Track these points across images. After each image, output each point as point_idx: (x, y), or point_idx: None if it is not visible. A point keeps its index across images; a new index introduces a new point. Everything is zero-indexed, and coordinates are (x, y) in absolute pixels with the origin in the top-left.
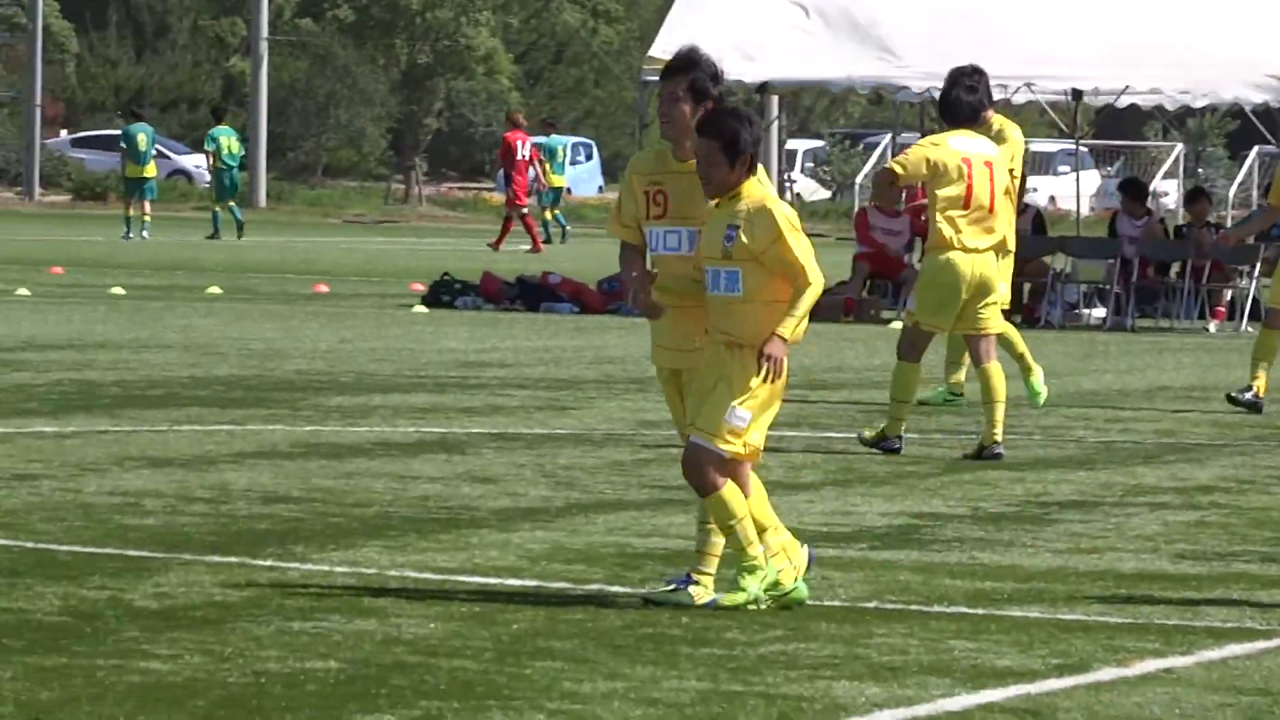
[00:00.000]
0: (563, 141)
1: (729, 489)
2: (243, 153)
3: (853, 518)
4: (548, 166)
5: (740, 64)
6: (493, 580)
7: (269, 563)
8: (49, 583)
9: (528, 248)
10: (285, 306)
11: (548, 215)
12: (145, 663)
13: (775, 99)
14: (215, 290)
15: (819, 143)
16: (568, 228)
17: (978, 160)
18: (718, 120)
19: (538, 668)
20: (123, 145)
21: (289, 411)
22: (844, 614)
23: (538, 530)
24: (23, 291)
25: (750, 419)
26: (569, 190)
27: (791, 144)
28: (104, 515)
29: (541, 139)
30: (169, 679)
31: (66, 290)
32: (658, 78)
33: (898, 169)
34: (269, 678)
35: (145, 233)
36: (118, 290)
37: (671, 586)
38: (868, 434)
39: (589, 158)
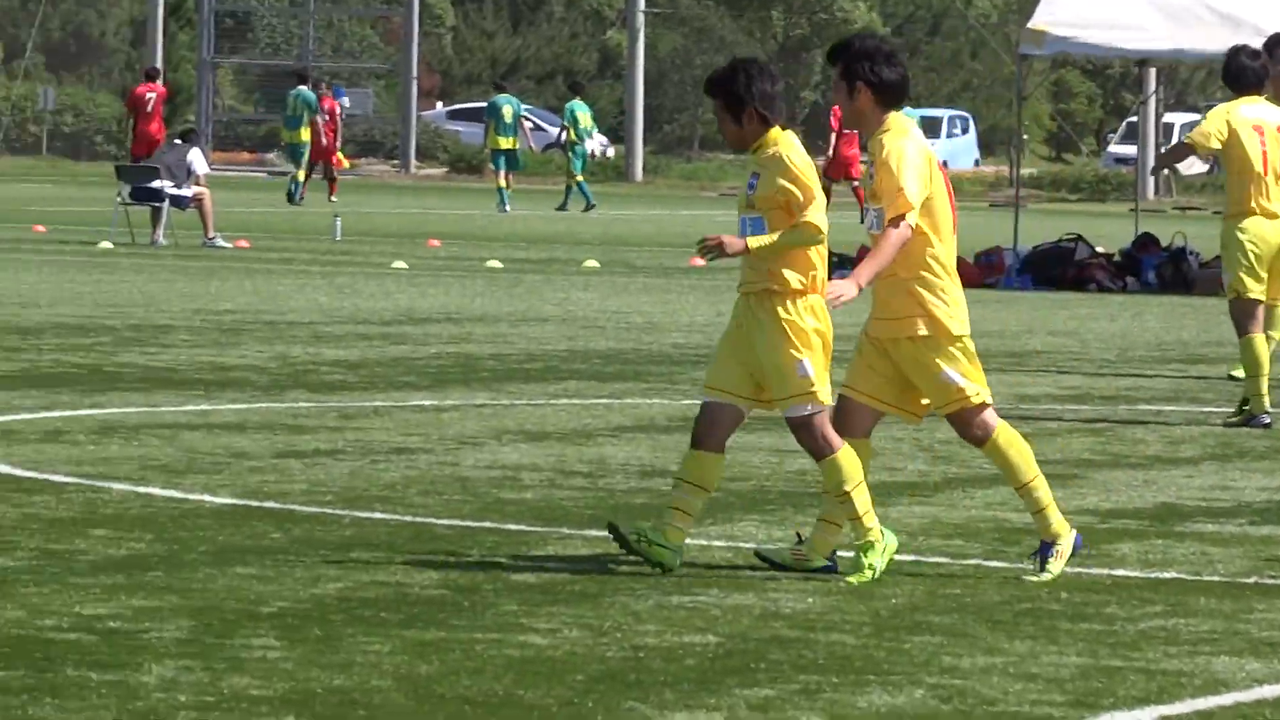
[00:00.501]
0: (510, 101)
1: (844, 453)
2: (594, 127)
3: (1231, 492)
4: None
5: (1117, 36)
6: None
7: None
8: (427, 556)
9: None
10: (662, 280)
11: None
12: (524, 636)
13: (1153, 72)
14: (592, 264)
15: (1196, 116)
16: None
17: (1270, 127)
18: (718, 78)
19: (916, 642)
20: (488, 117)
21: (666, 385)
22: (1223, 589)
23: (915, 505)
24: (399, 264)
25: (811, 366)
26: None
27: (1169, 117)
28: (482, 489)
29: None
30: (547, 653)
31: (443, 263)
32: (1035, 50)
33: (1192, 141)
34: (647, 652)
35: (506, 205)
36: (494, 264)
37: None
38: (1233, 419)
39: (965, 130)
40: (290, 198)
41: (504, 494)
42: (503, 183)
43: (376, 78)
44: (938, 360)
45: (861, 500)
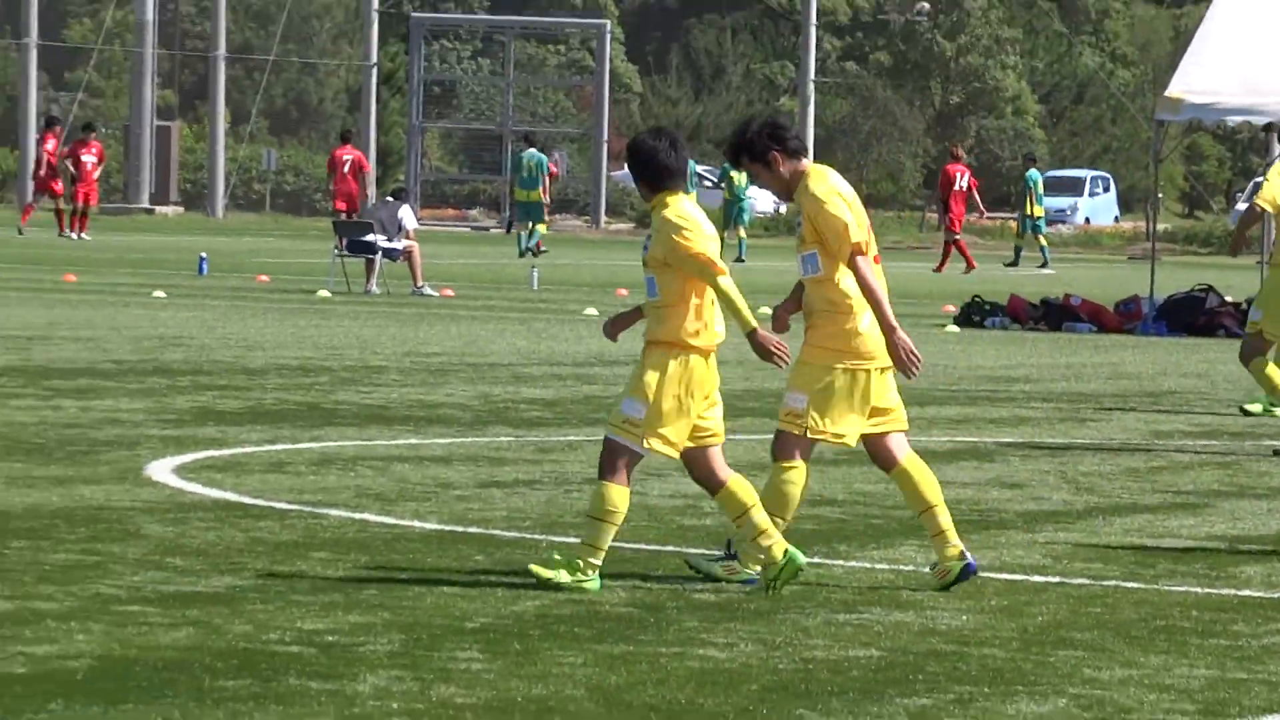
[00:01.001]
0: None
1: (618, 490)
2: (749, 185)
3: None
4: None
5: (1247, 103)
6: (1019, 576)
7: (816, 560)
8: (616, 578)
9: (963, 268)
10: None
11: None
12: (703, 650)
13: (1276, 135)
14: (766, 310)
15: None
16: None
17: None
18: (628, 154)
19: (1060, 656)
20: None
21: None
22: None
23: (1059, 531)
24: (591, 311)
25: (641, 412)
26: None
27: None
28: (667, 517)
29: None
30: (725, 665)
31: (615, 310)
32: (1171, 117)
33: (1261, 204)
34: (816, 664)
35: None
36: None
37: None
38: None
39: (1106, 190)
40: (532, 251)
41: (685, 520)
42: None
43: (570, 141)
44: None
45: (604, 535)
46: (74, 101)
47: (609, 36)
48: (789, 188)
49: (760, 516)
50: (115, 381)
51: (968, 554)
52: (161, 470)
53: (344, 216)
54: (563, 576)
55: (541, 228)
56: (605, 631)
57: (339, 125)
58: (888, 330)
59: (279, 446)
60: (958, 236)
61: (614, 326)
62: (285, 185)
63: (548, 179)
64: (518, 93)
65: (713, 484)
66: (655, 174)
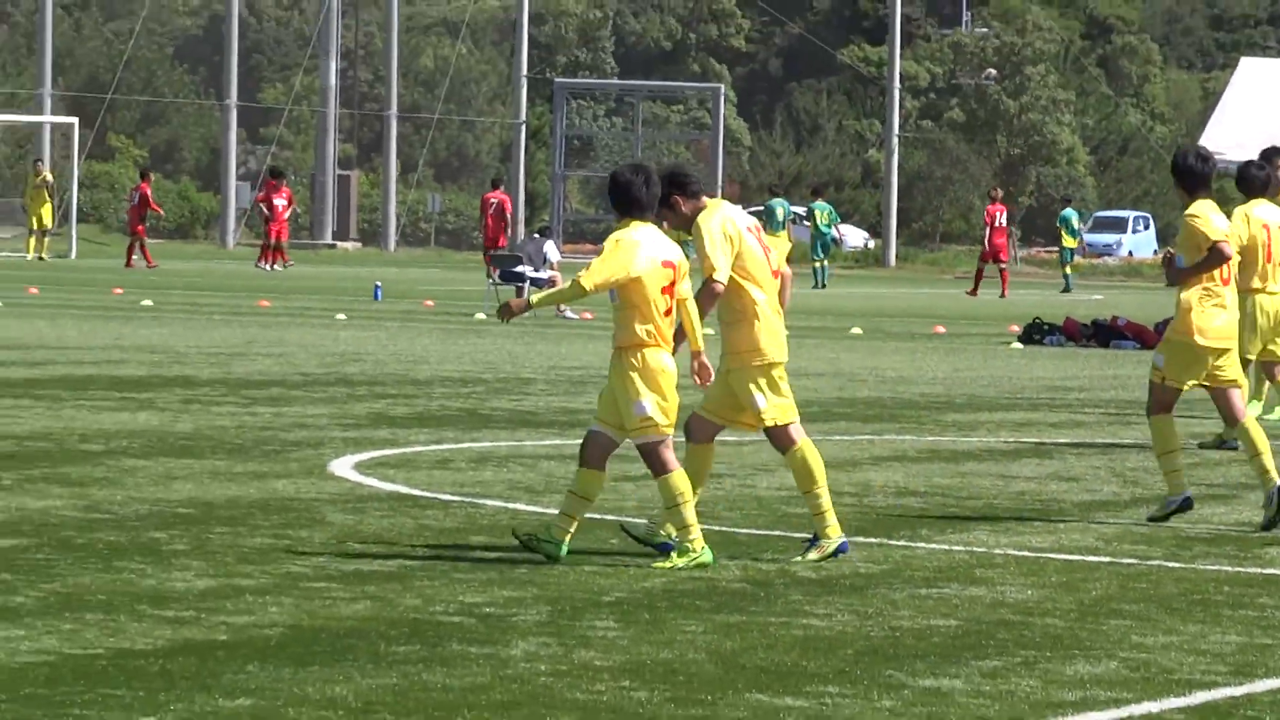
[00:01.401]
0: (781, 203)
1: (678, 475)
2: (836, 219)
3: None
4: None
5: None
6: (1075, 557)
7: (901, 543)
8: (731, 557)
9: (997, 292)
10: (911, 344)
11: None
12: (806, 620)
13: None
14: (857, 331)
15: None
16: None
17: (1274, 225)
18: (609, 183)
19: (1111, 625)
20: (764, 216)
21: (915, 425)
22: None
23: (1110, 518)
24: (708, 331)
25: (648, 407)
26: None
27: None
28: (774, 505)
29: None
30: (824, 632)
31: None
32: None
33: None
34: (902, 632)
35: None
36: None
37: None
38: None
39: (1146, 227)
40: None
41: (790, 509)
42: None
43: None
44: (748, 384)
45: (688, 513)
46: (268, 154)
47: (722, 98)
48: (689, 223)
49: (689, 512)
50: (303, 391)
51: (843, 535)
52: (343, 467)
53: (496, 250)
54: (678, 560)
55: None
56: (722, 604)
57: (492, 173)
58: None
59: (443, 446)
60: (1003, 266)
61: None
62: (447, 224)
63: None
64: (645, 145)
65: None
66: (626, 203)
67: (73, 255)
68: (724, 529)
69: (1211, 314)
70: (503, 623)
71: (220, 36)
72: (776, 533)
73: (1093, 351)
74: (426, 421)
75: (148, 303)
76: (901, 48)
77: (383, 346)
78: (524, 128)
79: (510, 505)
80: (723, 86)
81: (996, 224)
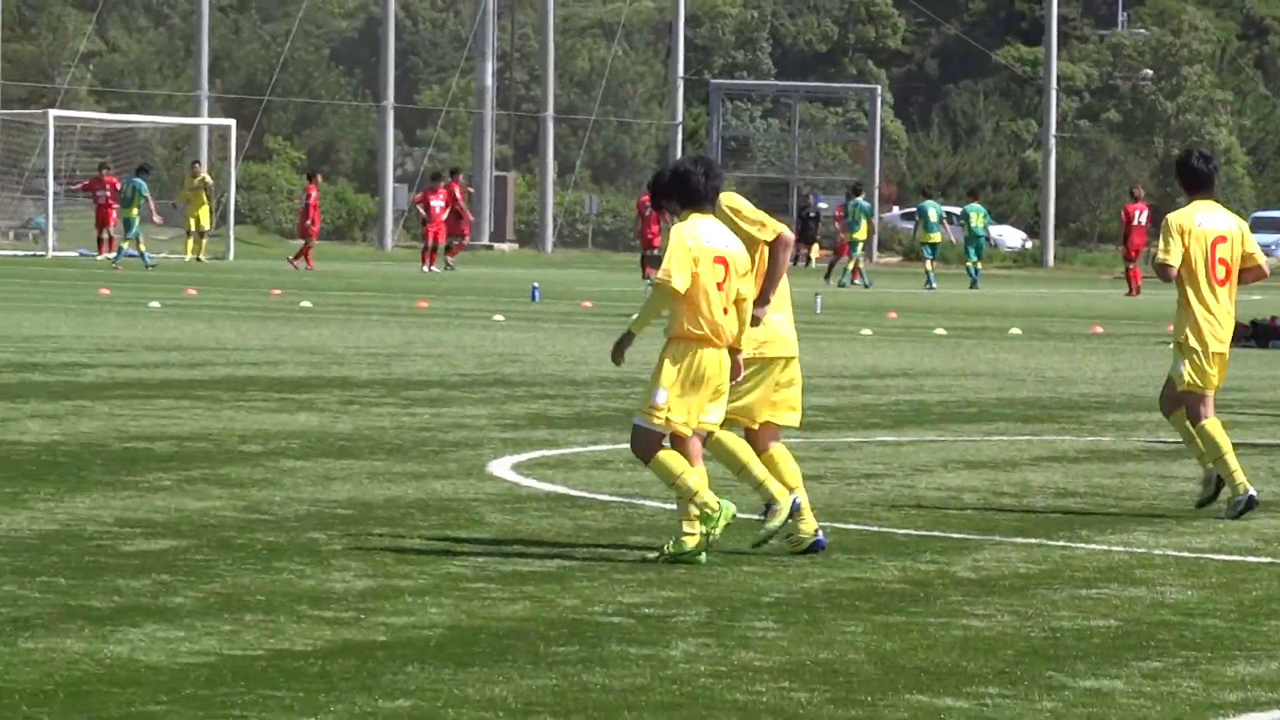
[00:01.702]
0: (934, 205)
1: (661, 456)
2: (989, 221)
3: None
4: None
5: None
6: (1235, 557)
7: (1061, 543)
8: (890, 558)
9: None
10: (1069, 344)
11: (929, 266)
12: (965, 620)
13: None
14: (1016, 331)
15: None
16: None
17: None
18: (670, 176)
19: (1272, 626)
20: (918, 217)
21: (1075, 425)
22: None
23: (1269, 519)
24: (866, 331)
25: (663, 398)
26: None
27: None
28: (932, 505)
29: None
30: (984, 633)
31: (899, 330)
32: None
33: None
34: (1062, 633)
35: (933, 284)
36: (940, 331)
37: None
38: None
39: None
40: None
41: (949, 510)
42: (929, 268)
43: (846, 187)
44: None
45: (688, 482)
46: (425, 156)
47: (879, 99)
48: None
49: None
50: (461, 391)
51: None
52: (501, 467)
53: (652, 251)
54: (712, 528)
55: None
56: (881, 604)
57: (649, 175)
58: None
59: (601, 447)
60: (1133, 265)
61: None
62: (604, 225)
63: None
64: (802, 147)
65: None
66: (685, 194)
67: (230, 257)
68: (883, 529)
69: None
70: (662, 623)
71: (376, 38)
72: (936, 533)
73: (1251, 352)
74: (585, 422)
75: (306, 304)
76: (1058, 48)
77: (541, 347)
78: (680, 129)
79: (668, 506)
80: (879, 88)
81: (1135, 222)
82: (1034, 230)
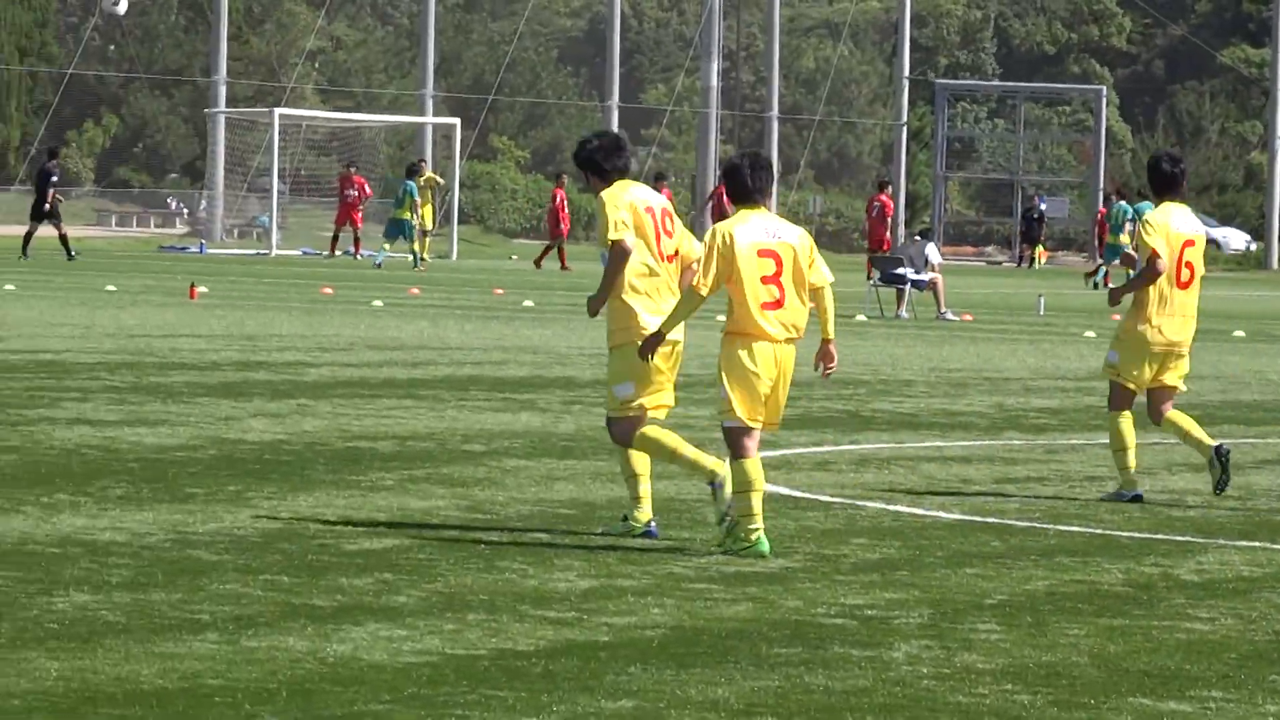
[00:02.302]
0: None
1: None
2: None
3: None
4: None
5: None
6: None
7: (1278, 546)
8: (1113, 560)
9: None
10: None
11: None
12: (1189, 624)
13: None
14: (1240, 334)
15: None
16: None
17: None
18: (724, 172)
19: None
20: (1116, 216)
21: None
22: None
23: None
24: (1089, 334)
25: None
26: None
27: None
28: (1156, 508)
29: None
30: (1208, 636)
31: None
32: None
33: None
34: None
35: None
36: None
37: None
38: None
39: None
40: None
41: (1173, 512)
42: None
43: (1070, 188)
44: (608, 365)
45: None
46: (649, 155)
47: (1105, 100)
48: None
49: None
50: (684, 392)
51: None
52: (724, 468)
53: (878, 252)
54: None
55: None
56: (1104, 607)
57: (873, 175)
58: (591, 305)
59: (824, 449)
60: None
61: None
62: (828, 226)
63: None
64: (1026, 148)
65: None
66: (733, 190)
67: (453, 256)
68: (1106, 532)
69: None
70: (885, 625)
71: (602, 37)
72: (1159, 536)
73: None
74: (807, 423)
75: (529, 303)
76: None
77: None
78: (904, 129)
79: (891, 507)
80: (1104, 88)
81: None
82: (1258, 233)
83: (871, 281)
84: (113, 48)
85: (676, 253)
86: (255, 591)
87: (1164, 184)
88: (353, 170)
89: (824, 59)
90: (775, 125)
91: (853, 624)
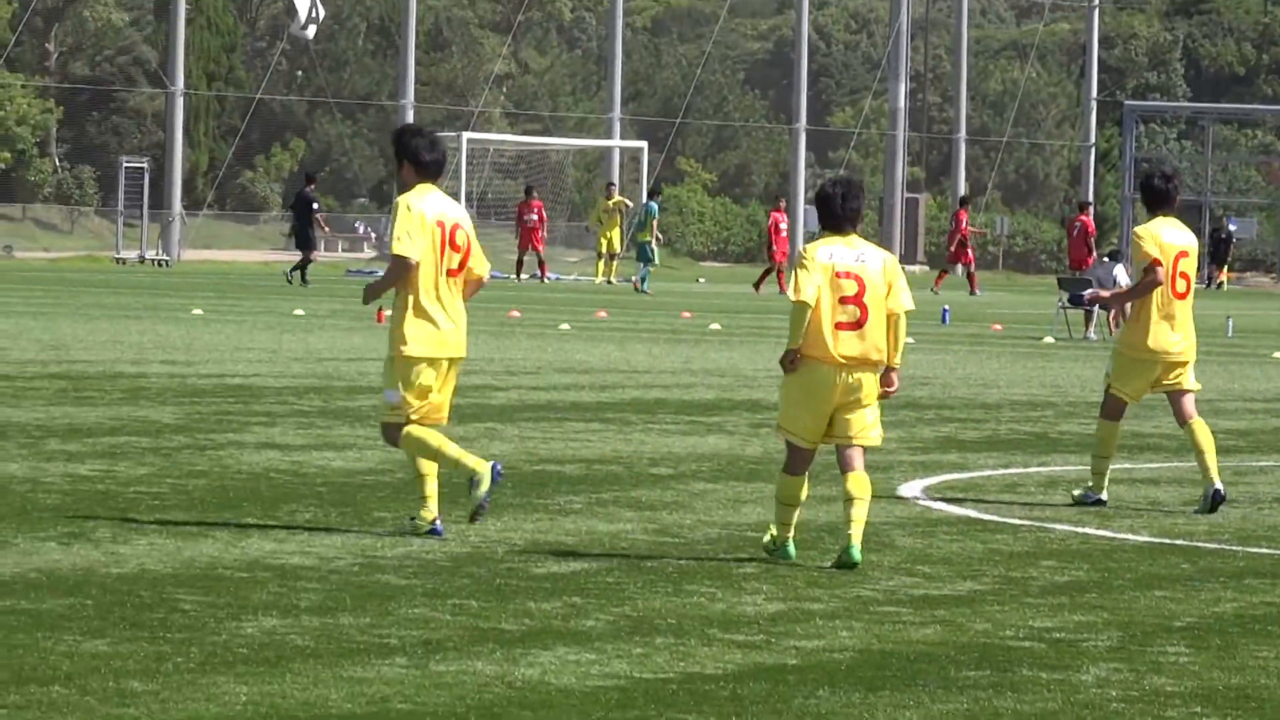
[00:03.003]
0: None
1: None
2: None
3: None
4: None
5: None
6: None
7: None
8: None
9: None
10: None
11: None
12: None
13: None
14: None
15: None
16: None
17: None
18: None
19: None
20: None
21: None
22: None
23: None
24: (1278, 354)
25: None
26: None
27: None
28: None
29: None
30: None
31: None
32: None
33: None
34: None
35: None
36: None
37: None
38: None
39: None
40: None
41: None
42: None
43: (1259, 209)
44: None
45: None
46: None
47: None
48: (403, 190)
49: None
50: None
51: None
52: (912, 490)
53: (1073, 274)
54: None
55: None
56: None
57: (1061, 197)
58: (365, 293)
59: (1012, 470)
60: None
61: None
62: (1015, 247)
63: None
64: (1215, 169)
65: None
66: (821, 215)
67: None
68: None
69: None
70: (1073, 648)
71: (788, 60)
72: None
73: None
74: (995, 445)
75: (715, 326)
76: None
77: (950, 370)
78: (1093, 150)
79: (1080, 529)
80: None
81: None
82: None
83: (1060, 303)
84: (300, 73)
85: (461, 267)
86: (443, 616)
87: (1156, 199)
88: (533, 195)
89: (1011, 80)
90: (963, 147)
91: (1041, 647)
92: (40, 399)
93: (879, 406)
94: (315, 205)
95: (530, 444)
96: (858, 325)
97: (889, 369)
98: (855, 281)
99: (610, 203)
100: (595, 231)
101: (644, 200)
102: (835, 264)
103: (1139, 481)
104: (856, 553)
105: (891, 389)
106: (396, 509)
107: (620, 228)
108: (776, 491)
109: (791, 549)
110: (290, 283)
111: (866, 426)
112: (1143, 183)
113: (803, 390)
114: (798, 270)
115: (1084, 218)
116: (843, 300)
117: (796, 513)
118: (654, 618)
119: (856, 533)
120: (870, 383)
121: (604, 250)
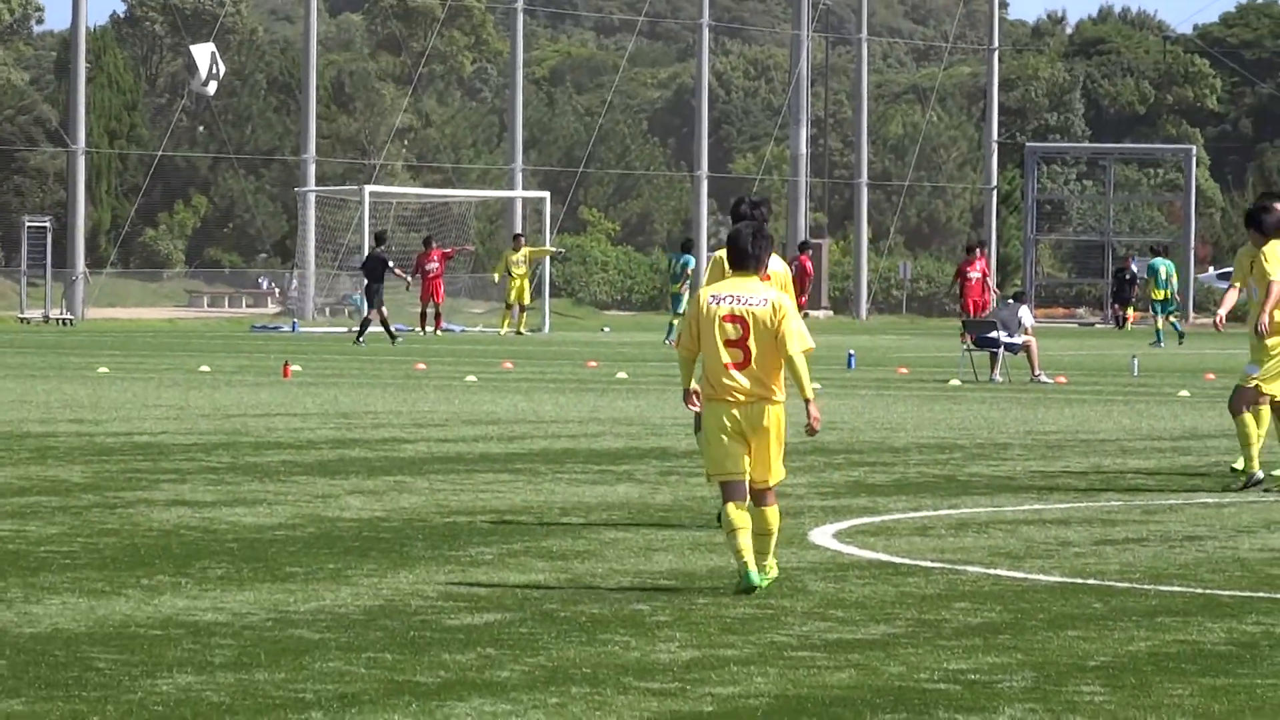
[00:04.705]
0: (1165, 264)
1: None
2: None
3: None
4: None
5: None
6: None
7: None
8: (1215, 620)
9: None
10: None
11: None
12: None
13: None
14: None
15: None
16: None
17: None
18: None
19: None
20: (1146, 275)
21: None
22: None
23: None
24: (1183, 393)
25: None
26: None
27: None
28: (1257, 567)
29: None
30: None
31: (1219, 391)
32: None
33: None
34: None
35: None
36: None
37: None
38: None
39: None
40: None
41: (1273, 570)
42: (1158, 325)
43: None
44: None
45: None
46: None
47: (1194, 160)
48: None
49: None
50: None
51: None
52: (823, 535)
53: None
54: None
55: None
56: (1207, 667)
57: (963, 240)
58: None
59: (922, 513)
60: None
61: None
62: (919, 291)
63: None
64: (1117, 209)
65: None
66: (736, 258)
67: (545, 330)
68: (1208, 591)
69: None
70: (988, 689)
71: (689, 107)
72: (1260, 594)
73: None
74: (905, 489)
75: (622, 375)
76: None
77: (858, 414)
78: (994, 193)
79: (991, 571)
80: (1194, 148)
81: None
82: None
83: (965, 346)
84: (201, 129)
85: None
86: (358, 669)
87: (1276, 226)
88: (431, 245)
89: (912, 124)
90: (865, 192)
91: (956, 689)
92: None
93: (782, 445)
94: (391, 264)
95: (440, 495)
96: (744, 365)
97: (806, 401)
98: (739, 325)
99: (517, 255)
100: (503, 282)
101: (679, 254)
102: (719, 309)
103: (1049, 522)
104: (754, 577)
105: (813, 421)
106: (308, 563)
107: (529, 279)
108: (723, 525)
109: (754, 576)
110: (361, 343)
111: (768, 465)
112: (1250, 213)
113: (713, 430)
114: (685, 318)
115: (972, 264)
116: (728, 343)
117: (747, 535)
118: (569, 667)
119: (753, 558)
120: (775, 414)
121: (512, 300)
